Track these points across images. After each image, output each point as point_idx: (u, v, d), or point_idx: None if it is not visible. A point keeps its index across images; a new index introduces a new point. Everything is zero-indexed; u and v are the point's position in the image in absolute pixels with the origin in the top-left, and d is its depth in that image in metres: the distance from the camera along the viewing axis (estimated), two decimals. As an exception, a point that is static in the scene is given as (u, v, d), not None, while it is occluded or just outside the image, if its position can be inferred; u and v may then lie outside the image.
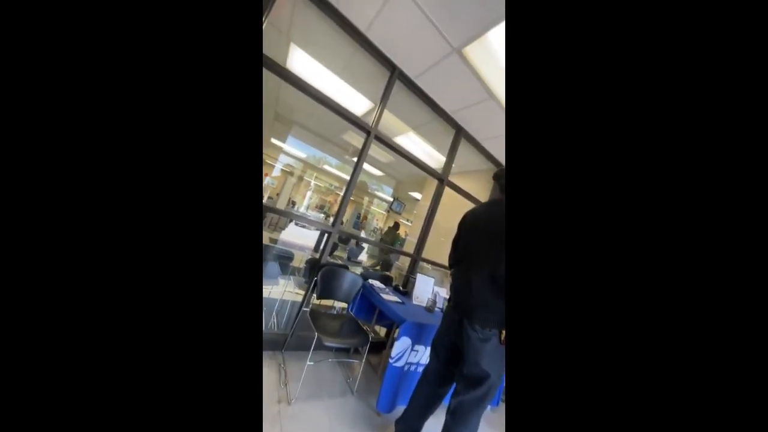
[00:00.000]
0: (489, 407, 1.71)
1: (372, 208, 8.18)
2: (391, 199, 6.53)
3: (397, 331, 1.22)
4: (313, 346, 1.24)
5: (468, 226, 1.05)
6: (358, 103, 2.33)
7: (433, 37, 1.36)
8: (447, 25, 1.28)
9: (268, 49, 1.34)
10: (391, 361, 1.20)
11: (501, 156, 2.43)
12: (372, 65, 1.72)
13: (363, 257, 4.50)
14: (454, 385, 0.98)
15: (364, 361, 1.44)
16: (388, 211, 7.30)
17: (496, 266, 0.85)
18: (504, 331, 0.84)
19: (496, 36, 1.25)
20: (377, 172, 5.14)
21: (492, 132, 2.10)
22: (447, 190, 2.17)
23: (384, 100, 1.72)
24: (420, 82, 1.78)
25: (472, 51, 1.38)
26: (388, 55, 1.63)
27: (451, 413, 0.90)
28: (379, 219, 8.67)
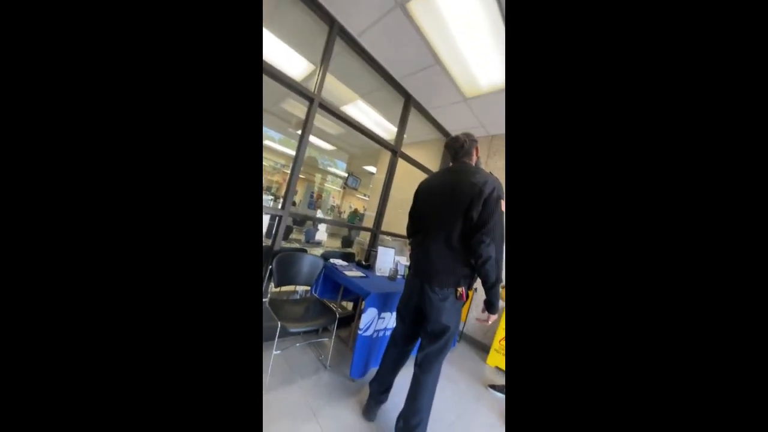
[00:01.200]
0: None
1: (326, 185, 7.79)
2: (346, 175, 6.30)
3: (363, 303, 1.25)
4: (276, 335, 1.18)
5: (422, 196, 1.07)
6: (296, 65, 2.02)
7: (374, -15, 1.21)
8: (388, -29, 1.14)
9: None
10: (360, 332, 1.24)
11: (448, 125, 2.51)
12: (307, 16, 1.46)
13: (323, 237, 4.37)
14: (418, 342, 1.08)
15: (334, 337, 1.47)
16: (344, 187, 7.09)
17: (451, 231, 0.91)
18: (460, 289, 0.94)
19: (440, -9, 1.18)
20: (328, 147, 4.80)
21: (440, 101, 2.11)
22: (401, 161, 2.17)
23: (325, 60, 1.52)
24: (363, 41, 1.61)
25: (416, 6, 1.28)
26: (325, 4, 1.40)
27: (419, 365, 1.00)
28: (335, 196, 8.38)
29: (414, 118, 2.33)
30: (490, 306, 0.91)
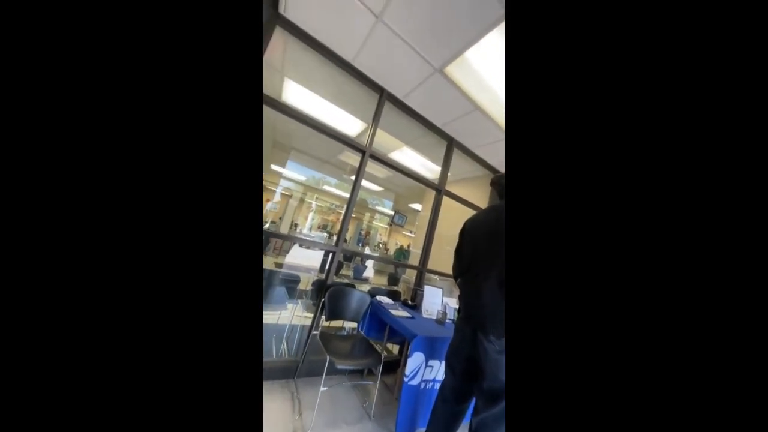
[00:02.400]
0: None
1: (374, 222, 8.21)
2: (393, 213, 6.57)
3: (409, 347, 1.20)
4: (325, 370, 1.21)
5: (469, 234, 1.06)
6: (351, 125, 2.44)
7: (416, 60, 1.46)
8: (426, 48, 1.38)
9: (265, 86, 1.44)
10: (405, 379, 1.16)
11: (493, 162, 2.49)
12: (361, 90, 1.83)
13: (369, 274, 4.46)
14: (473, 400, 0.94)
15: (378, 382, 1.40)
16: (391, 224, 7.32)
17: (502, 272, 0.85)
18: None
19: (473, 55, 1.34)
20: (376, 188, 5.22)
21: (482, 140, 2.16)
22: (445, 198, 2.20)
23: (375, 120, 1.80)
24: (408, 101, 1.87)
25: (453, 70, 1.47)
26: (376, 80, 1.74)
27: None
28: (382, 233, 8.67)
29: (458, 157, 2.42)
30: None
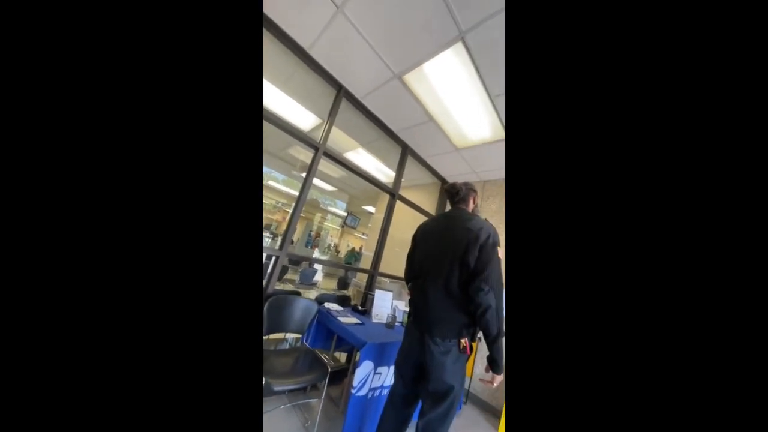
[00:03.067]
0: (453, 414, 1.74)
1: (325, 224, 7.86)
2: (345, 214, 6.42)
3: (358, 355, 1.14)
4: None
5: (421, 239, 1.09)
6: (304, 119, 2.26)
7: (376, 61, 1.45)
8: (387, 52, 1.38)
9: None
10: (353, 391, 1.11)
11: (443, 172, 2.68)
12: (317, 82, 1.71)
13: (319, 278, 4.21)
14: (419, 403, 0.96)
15: (323, 397, 1.29)
16: (343, 226, 7.15)
17: (449, 277, 0.89)
18: (462, 340, 0.88)
19: (431, 68, 1.40)
20: (329, 187, 5.01)
21: (434, 150, 2.30)
22: (399, 203, 2.25)
23: (332, 116, 1.71)
24: (366, 102, 1.85)
25: (411, 78, 1.52)
26: (334, 74, 1.65)
27: None
28: (333, 235, 8.37)
29: (412, 165, 2.51)
30: (493, 364, 0.84)
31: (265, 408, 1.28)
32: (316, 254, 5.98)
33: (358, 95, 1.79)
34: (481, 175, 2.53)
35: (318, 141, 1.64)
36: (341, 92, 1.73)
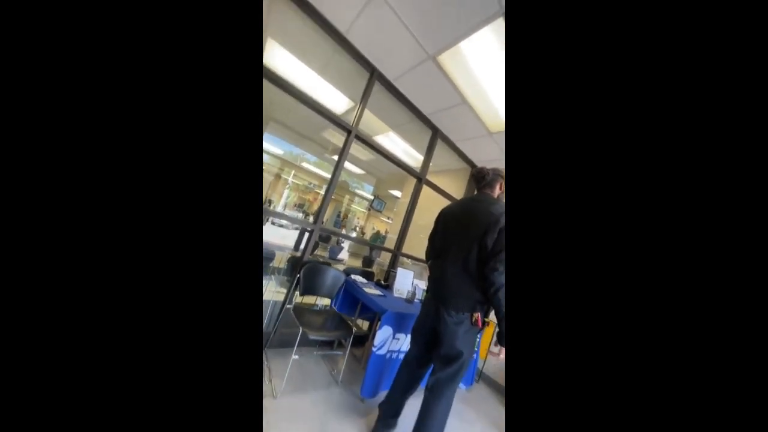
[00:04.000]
0: (464, 387, 1.86)
1: (353, 206, 8.15)
2: (372, 198, 6.57)
3: (379, 322, 1.29)
4: (297, 341, 1.26)
5: (443, 221, 1.15)
6: (338, 102, 2.35)
7: (410, 42, 1.44)
8: (422, 32, 1.37)
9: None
10: (374, 349, 1.27)
11: (474, 157, 2.60)
12: (352, 66, 1.75)
13: (344, 256, 4.51)
14: (431, 366, 1.08)
15: (347, 353, 1.49)
16: (369, 209, 7.34)
17: (468, 256, 0.95)
18: (475, 314, 0.96)
19: (468, 47, 1.36)
20: (358, 170, 5.15)
21: (466, 134, 2.24)
22: (425, 188, 2.28)
23: (364, 99, 1.76)
24: (398, 85, 1.85)
25: (445, 59, 1.48)
26: (368, 57, 1.68)
27: (429, 389, 0.99)
28: (360, 217, 8.66)
29: (441, 149, 2.48)
30: (502, 338, 0.90)
31: (300, 353, 1.53)
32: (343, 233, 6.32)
33: (390, 77, 1.80)
34: (514, 162, 2.41)
35: (351, 124, 1.72)
36: (374, 75, 1.76)
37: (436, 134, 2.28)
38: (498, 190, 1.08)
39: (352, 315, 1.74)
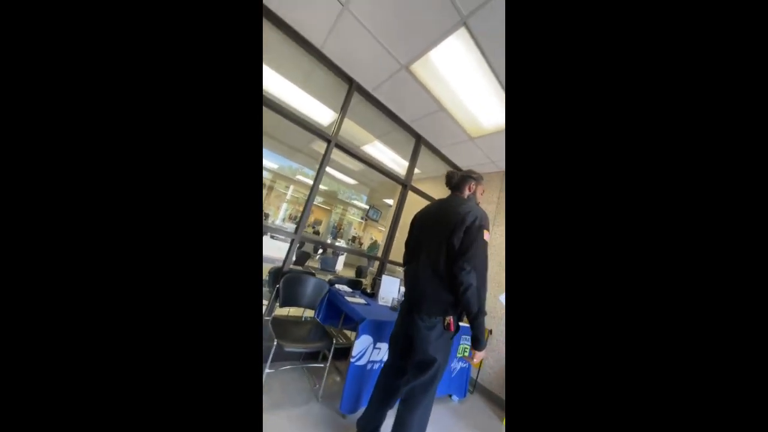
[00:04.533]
0: (456, 399, 1.77)
1: (350, 216, 8.16)
2: (368, 207, 6.59)
3: (358, 329, 1.25)
4: (271, 354, 1.22)
5: (416, 225, 1.14)
6: (323, 114, 2.40)
7: (382, 53, 1.49)
8: (392, 43, 1.42)
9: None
10: (353, 360, 1.22)
11: (459, 161, 2.63)
12: (331, 78, 1.81)
13: (339, 267, 4.45)
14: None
15: (328, 365, 1.44)
16: (365, 219, 7.34)
17: (437, 258, 0.93)
18: (447, 318, 0.92)
19: (437, 56, 1.41)
20: (351, 181, 5.20)
21: (448, 140, 2.27)
22: (415, 195, 2.29)
23: (344, 110, 1.81)
24: (377, 94, 1.90)
25: (418, 68, 1.53)
26: (345, 69, 1.74)
27: (403, 401, 0.95)
28: (357, 227, 8.64)
29: (427, 156, 2.51)
30: (474, 341, 0.87)
31: (280, 367, 1.47)
32: (339, 244, 6.27)
33: (368, 88, 1.85)
34: (498, 164, 2.42)
35: (330, 134, 1.76)
36: (353, 86, 1.81)
37: (420, 141, 2.32)
38: (467, 191, 1.08)
39: (336, 326, 1.69)
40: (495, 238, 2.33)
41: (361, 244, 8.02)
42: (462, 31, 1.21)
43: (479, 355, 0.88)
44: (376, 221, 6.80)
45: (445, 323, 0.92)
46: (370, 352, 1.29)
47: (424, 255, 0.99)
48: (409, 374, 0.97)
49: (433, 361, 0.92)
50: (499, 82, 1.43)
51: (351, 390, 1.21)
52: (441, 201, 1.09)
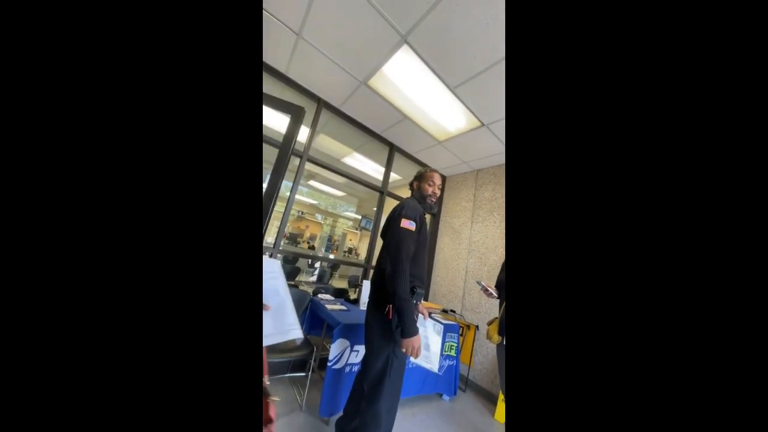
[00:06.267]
0: (447, 398, 1.78)
1: (344, 228, 8.20)
2: (359, 218, 6.65)
3: (333, 334, 1.29)
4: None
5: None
6: (301, 134, 2.52)
7: (341, 73, 1.62)
8: (347, 63, 1.54)
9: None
10: (329, 364, 1.25)
11: (434, 164, 2.73)
12: (299, 99, 1.93)
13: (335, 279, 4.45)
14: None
15: (310, 373, 1.45)
16: (359, 229, 7.38)
17: (381, 254, 1.02)
18: (387, 306, 0.95)
19: (390, 70, 1.53)
20: (339, 193, 5.29)
21: (418, 146, 2.39)
22: (394, 201, 2.37)
23: (313, 126, 1.92)
24: (345, 109, 2.02)
25: (376, 82, 1.65)
26: (311, 89, 1.86)
27: (365, 396, 0.97)
28: (352, 238, 8.66)
29: (403, 162, 2.62)
30: (404, 332, 0.87)
31: (269, 378, 1.48)
32: (331, 257, 6.28)
33: (336, 104, 1.98)
34: (471, 165, 2.53)
35: (300, 151, 1.86)
36: (321, 104, 1.93)
37: (393, 149, 2.43)
38: (413, 191, 1.18)
39: (320, 335, 1.71)
40: (473, 235, 2.40)
41: (357, 255, 8.01)
42: (405, 47, 1.33)
43: (406, 344, 0.88)
44: (370, 231, 6.84)
45: (385, 311, 0.96)
46: (347, 355, 1.32)
47: (380, 255, 1.07)
48: (364, 368, 1.01)
49: (380, 351, 0.95)
50: (449, 89, 1.55)
51: (329, 393, 1.23)
52: (402, 201, 1.17)
